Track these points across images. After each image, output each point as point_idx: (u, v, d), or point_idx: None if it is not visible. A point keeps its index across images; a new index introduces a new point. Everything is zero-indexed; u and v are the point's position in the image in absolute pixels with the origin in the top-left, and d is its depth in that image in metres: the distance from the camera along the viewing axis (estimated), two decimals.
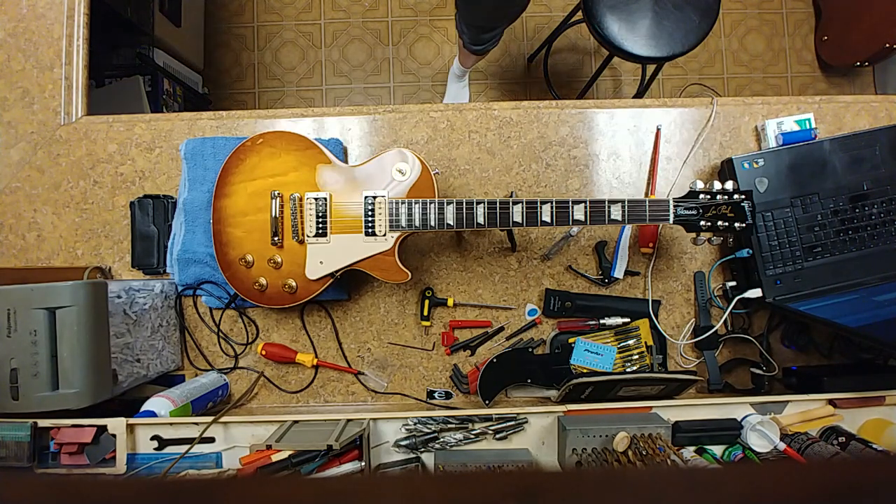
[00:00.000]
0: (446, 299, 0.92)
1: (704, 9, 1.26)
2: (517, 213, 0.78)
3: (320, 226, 0.82)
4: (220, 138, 0.91)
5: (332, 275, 0.82)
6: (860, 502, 0.17)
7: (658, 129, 0.95)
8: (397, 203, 0.80)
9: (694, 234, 0.81)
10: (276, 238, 0.82)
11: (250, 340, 0.92)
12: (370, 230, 0.81)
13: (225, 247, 0.84)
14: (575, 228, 0.92)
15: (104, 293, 0.72)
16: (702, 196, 0.78)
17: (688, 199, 0.78)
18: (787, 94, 2.00)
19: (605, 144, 0.95)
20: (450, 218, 0.79)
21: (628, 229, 0.92)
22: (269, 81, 2.06)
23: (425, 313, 0.91)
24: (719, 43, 2.01)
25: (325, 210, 0.82)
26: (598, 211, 0.78)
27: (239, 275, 0.84)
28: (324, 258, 0.82)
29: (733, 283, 0.91)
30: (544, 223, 0.78)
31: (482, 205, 0.79)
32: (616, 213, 0.78)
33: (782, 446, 0.74)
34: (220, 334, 0.92)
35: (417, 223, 0.79)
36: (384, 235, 0.80)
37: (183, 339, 0.92)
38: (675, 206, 0.78)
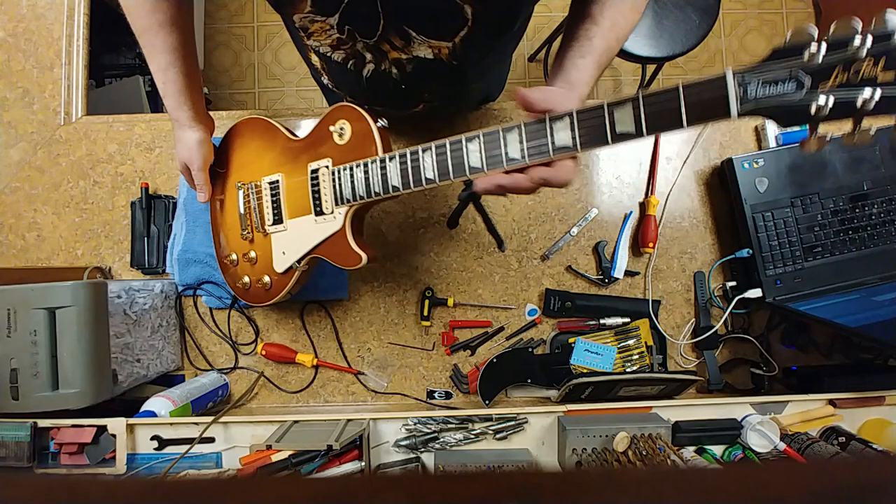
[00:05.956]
0: (446, 299, 0.92)
1: (704, 9, 1.26)
2: (473, 154, 0.57)
3: (276, 212, 0.74)
4: (220, 138, 0.91)
5: (294, 266, 0.74)
6: (860, 502, 0.17)
7: None
8: (339, 171, 0.68)
9: (799, 133, 0.58)
10: (244, 232, 0.77)
11: (250, 340, 0.92)
12: (318, 208, 0.70)
13: (218, 246, 0.84)
14: (574, 228, 0.92)
15: (104, 293, 0.72)
16: (811, 50, 0.42)
17: (777, 60, 0.43)
18: None
19: None
20: (394, 178, 0.63)
21: (628, 229, 0.92)
22: (269, 81, 2.06)
23: (425, 313, 0.91)
24: (719, 43, 2.01)
25: (279, 193, 0.74)
26: (595, 125, 0.51)
27: (229, 274, 0.83)
28: (285, 248, 0.74)
29: (733, 283, 0.91)
30: (512, 160, 0.55)
31: (429, 152, 0.60)
32: (625, 123, 0.49)
33: (782, 446, 0.74)
34: (220, 334, 0.92)
35: (361, 191, 0.66)
36: (332, 213, 0.69)
37: (183, 339, 0.92)
38: (742, 82, 0.43)
